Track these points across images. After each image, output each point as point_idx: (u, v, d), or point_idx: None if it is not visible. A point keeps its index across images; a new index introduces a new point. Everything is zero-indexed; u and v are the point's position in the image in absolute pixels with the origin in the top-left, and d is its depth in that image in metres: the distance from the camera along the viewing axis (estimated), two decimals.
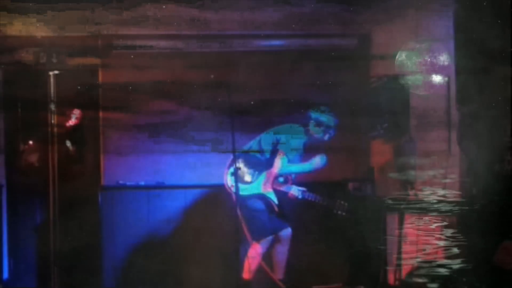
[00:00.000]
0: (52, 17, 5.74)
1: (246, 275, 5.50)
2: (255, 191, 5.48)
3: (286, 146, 5.51)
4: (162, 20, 5.88)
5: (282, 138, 5.55)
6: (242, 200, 5.36)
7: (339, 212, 5.57)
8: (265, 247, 5.51)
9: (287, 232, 5.66)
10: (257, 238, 5.45)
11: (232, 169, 5.39)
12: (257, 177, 5.47)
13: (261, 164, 5.52)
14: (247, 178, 5.47)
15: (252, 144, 5.68)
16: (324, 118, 5.60)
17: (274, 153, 5.52)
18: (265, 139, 5.62)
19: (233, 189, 5.32)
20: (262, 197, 5.52)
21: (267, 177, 5.49)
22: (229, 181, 5.42)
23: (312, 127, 5.62)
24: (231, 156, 5.34)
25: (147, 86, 6.31)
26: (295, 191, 5.59)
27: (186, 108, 6.39)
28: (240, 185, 5.34)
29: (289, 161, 5.54)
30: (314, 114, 5.62)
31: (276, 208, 5.55)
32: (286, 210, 5.68)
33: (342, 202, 5.58)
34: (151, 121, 6.43)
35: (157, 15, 5.74)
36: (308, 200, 5.61)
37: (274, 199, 5.53)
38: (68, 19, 5.82)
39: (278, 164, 5.47)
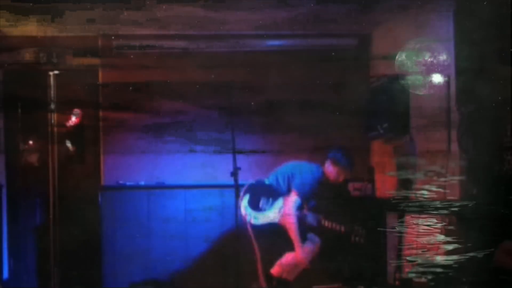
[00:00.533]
0: (54, 17, 5.75)
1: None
2: (269, 220, 5.44)
3: (301, 185, 5.49)
4: (167, 20, 5.87)
5: (297, 176, 5.52)
6: (257, 227, 5.36)
7: (357, 239, 5.53)
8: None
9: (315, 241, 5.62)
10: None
11: (247, 197, 5.38)
12: (271, 205, 5.43)
13: (276, 193, 5.47)
14: (262, 205, 5.44)
15: (270, 177, 5.63)
16: (341, 159, 5.59)
17: (288, 188, 5.50)
18: (282, 173, 5.61)
19: (247, 218, 5.33)
20: (276, 225, 5.49)
21: (280, 210, 5.44)
22: (244, 209, 5.38)
23: (328, 167, 5.61)
24: (247, 183, 5.44)
25: (150, 86, 6.31)
26: (311, 219, 5.55)
27: (193, 108, 6.39)
28: (255, 213, 5.34)
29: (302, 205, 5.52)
30: (331, 154, 5.62)
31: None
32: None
33: (359, 228, 5.53)
34: (158, 121, 6.44)
35: (162, 15, 5.74)
36: (324, 227, 5.56)
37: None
38: (70, 19, 5.83)
39: (290, 207, 5.42)
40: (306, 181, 5.48)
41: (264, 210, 5.43)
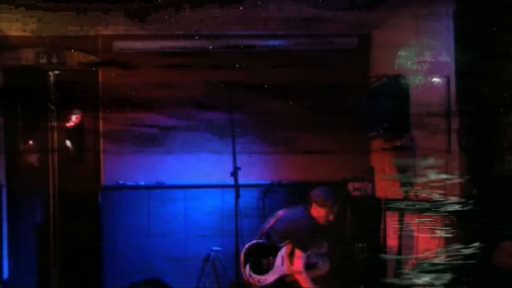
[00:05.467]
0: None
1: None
2: (277, 276, 5.40)
3: (296, 237, 5.33)
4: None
5: (290, 228, 5.36)
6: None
7: (361, 256, 5.47)
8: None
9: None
10: None
11: (248, 266, 5.32)
12: (274, 263, 5.37)
13: (275, 249, 5.38)
14: (266, 265, 5.38)
15: (264, 236, 5.49)
16: (326, 198, 5.38)
17: (284, 239, 5.39)
18: (274, 229, 5.45)
19: (256, 283, 5.30)
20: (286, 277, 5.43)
21: (283, 263, 5.38)
22: (248, 271, 5.33)
23: (315, 211, 5.41)
24: (244, 248, 5.36)
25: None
26: (313, 258, 5.48)
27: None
28: (261, 276, 5.32)
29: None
30: (315, 196, 5.41)
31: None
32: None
33: (360, 245, 5.48)
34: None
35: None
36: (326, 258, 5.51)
37: None
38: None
39: (299, 265, 5.26)
40: (299, 230, 5.35)
41: (269, 270, 5.36)
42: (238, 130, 5.88)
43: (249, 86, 6.25)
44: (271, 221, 5.51)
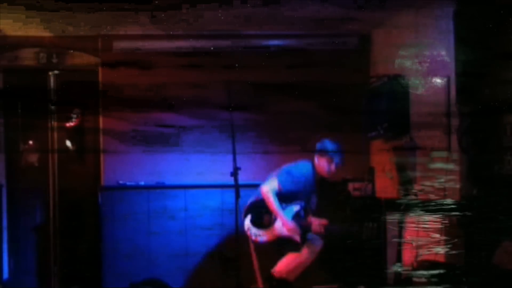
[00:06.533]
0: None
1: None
2: (276, 234, 5.41)
3: (299, 185, 5.40)
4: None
5: (291, 180, 5.41)
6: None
7: (369, 237, 5.51)
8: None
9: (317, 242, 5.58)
10: None
11: (249, 217, 5.34)
12: (275, 219, 5.37)
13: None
14: (266, 221, 5.38)
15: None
16: (327, 147, 5.52)
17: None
18: (282, 182, 5.43)
19: (253, 236, 5.32)
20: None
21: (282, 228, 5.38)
22: (247, 225, 5.36)
23: (317, 161, 5.53)
24: (250, 200, 5.41)
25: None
26: (316, 228, 5.49)
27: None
28: (259, 230, 5.35)
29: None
30: (318, 147, 5.54)
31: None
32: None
33: (370, 224, 5.52)
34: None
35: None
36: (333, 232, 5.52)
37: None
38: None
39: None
40: (300, 181, 5.40)
41: (269, 225, 5.36)
42: (240, 130, 5.91)
43: (248, 85, 6.26)
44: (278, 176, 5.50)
